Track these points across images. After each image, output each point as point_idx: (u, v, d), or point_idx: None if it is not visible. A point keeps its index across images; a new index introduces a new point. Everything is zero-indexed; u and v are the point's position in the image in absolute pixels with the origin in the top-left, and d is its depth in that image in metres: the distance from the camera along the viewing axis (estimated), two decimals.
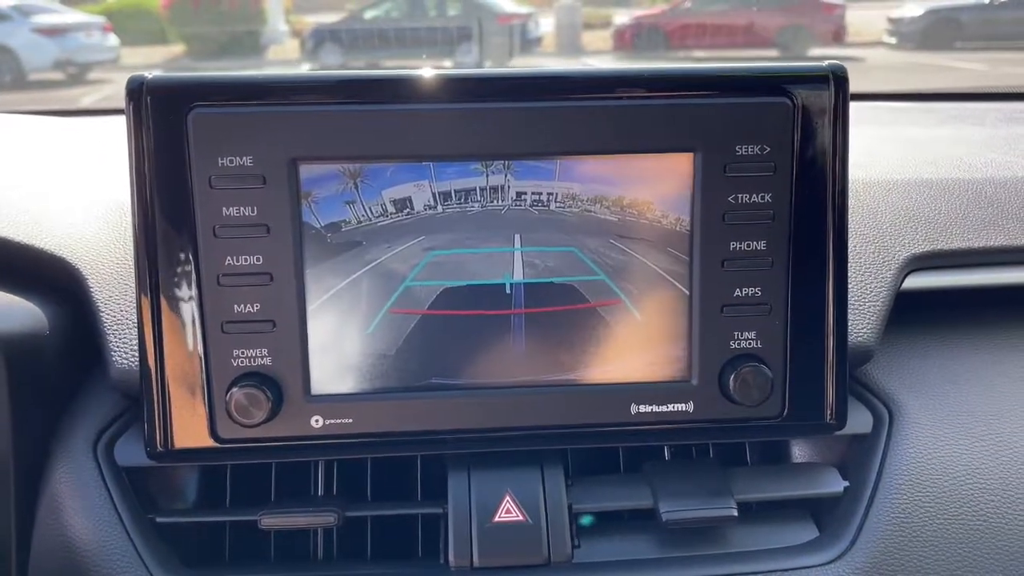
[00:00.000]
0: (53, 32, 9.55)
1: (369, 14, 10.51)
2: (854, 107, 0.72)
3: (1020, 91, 1.50)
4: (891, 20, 10.86)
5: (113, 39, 10.12)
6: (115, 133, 1.15)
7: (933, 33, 10.43)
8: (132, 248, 0.71)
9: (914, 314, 0.85)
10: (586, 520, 0.74)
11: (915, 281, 0.83)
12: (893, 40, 10.65)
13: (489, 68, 0.73)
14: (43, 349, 0.74)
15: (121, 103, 0.67)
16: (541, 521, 0.71)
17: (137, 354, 0.72)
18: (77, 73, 9.65)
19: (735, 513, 0.72)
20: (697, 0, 11.22)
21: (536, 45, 10.28)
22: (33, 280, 0.78)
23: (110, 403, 0.76)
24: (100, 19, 10.33)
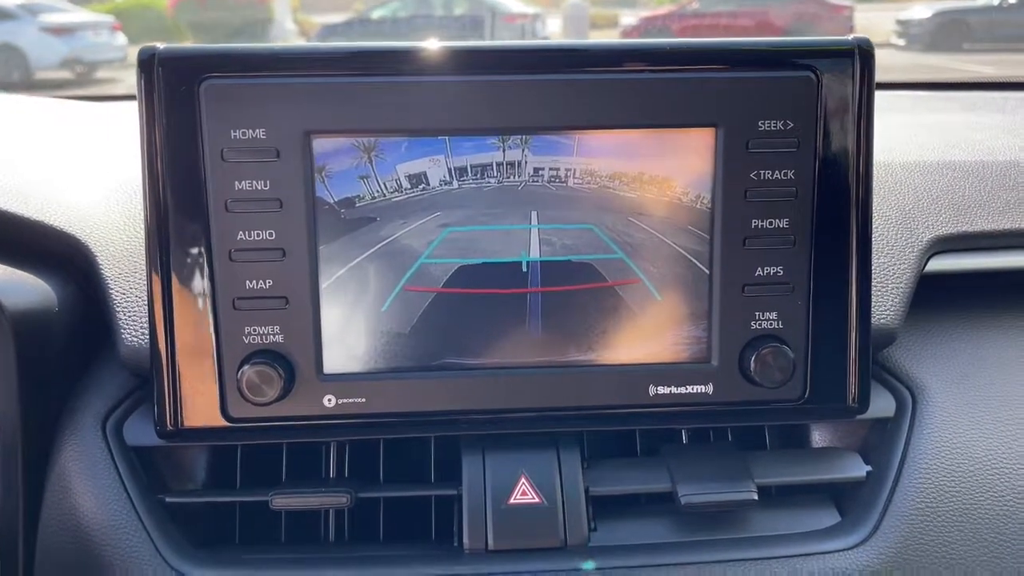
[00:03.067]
0: (61, 31, 9.57)
1: (376, 13, 10.53)
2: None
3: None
4: (899, 22, 10.83)
5: (121, 38, 10.14)
6: (125, 117, 1.15)
7: (941, 35, 10.39)
8: (142, 225, 0.70)
9: (938, 297, 0.83)
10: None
11: (939, 263, 0.81)
12: (902, 42, 10.62)
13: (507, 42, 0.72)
14: (52, 326, 0.72)
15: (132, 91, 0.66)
16: (557, 503, 0.70)
17: (147, 332, 0.71)
18: (85, 72, 9.66)
19: (755, 497, 0.70)
20: (704, 0, 11.21)
21: None
22: (43, 257, 0.76)
23: (119, 381, 0.75)
24: (108, 18, 10.36)
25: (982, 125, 1.10)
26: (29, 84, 9.21)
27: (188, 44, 0.67)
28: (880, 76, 0.69)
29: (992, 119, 1.16)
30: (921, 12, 10.64)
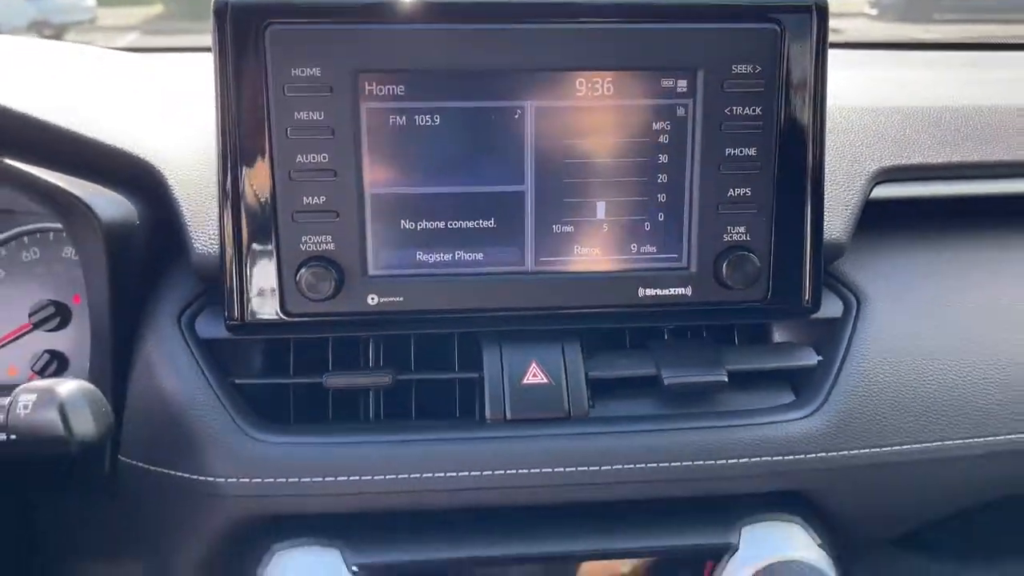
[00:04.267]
0: None
1: None
2: (831, 54, 0.83)
3: (987, 42, 1.64)
4: None
5: None
6: (170, 68, 1.24)
7: (913, 5, 10.52)
8: (209, 152, 0.81)
9: (882, 221, 0.98)
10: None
11: (883, 191, 0.96)
12: (874, 12, 10.74)
13: None
14: (133, 236, 0.85)
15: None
16: (562, 384, 0.84)
17: (215, 242, 0.84)
18: (53, 35, 9.50)
19: (725, 379, 0.85)
20: None
21: None
22: (126, 180, 0.88)
23: (189, 286, 0.88)
24: None
25: (928, 79, 1.24)
26: None
27: None
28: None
29: (938, 74, 1.30)
30: None
